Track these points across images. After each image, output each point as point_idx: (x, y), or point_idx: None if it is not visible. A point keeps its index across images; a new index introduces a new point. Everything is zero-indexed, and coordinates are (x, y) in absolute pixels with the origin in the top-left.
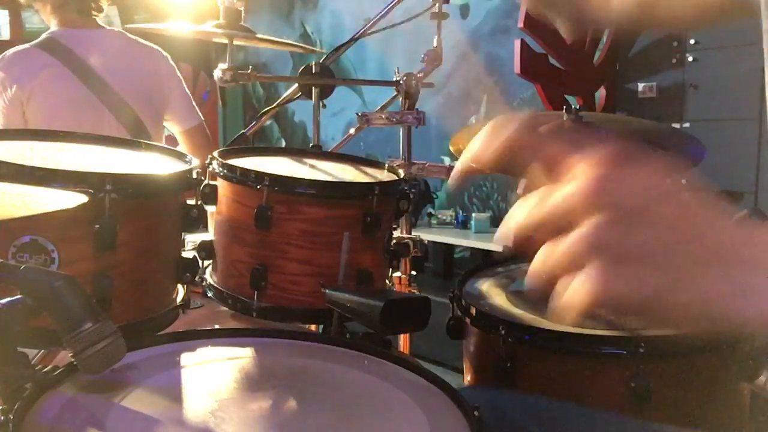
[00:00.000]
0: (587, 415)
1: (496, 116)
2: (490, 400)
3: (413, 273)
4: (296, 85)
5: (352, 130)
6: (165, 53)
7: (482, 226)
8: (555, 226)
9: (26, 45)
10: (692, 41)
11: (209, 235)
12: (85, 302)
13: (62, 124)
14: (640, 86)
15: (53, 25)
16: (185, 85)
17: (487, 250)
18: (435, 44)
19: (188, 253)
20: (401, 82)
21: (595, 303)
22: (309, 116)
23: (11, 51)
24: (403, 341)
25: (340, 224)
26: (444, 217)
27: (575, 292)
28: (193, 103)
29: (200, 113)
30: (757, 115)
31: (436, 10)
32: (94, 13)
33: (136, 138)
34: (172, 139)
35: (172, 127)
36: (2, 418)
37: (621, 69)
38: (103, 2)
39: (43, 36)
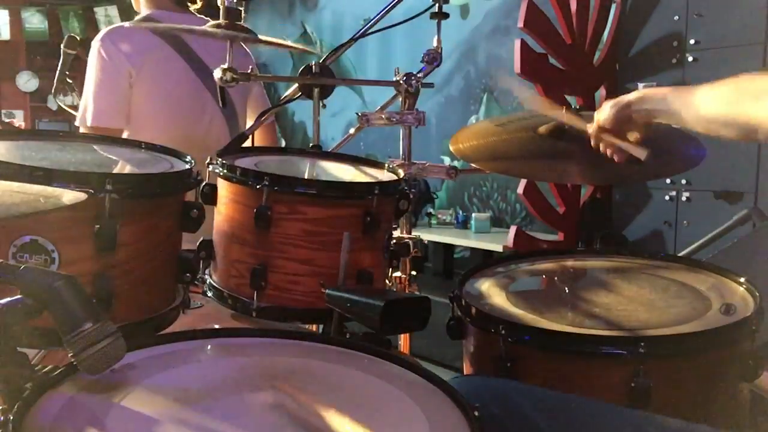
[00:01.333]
0: (591, 405)
1: (495, 116)
2: (495, 390)
3: (413, 273)
4: (296, 85)
5: (352, 130)
6: (249, 51)
7: (482, 226)
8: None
9: (125, 23)
10: (692, 41)
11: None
12: (85, 302)
13: (171, 109)
14: (640, 86)
15: (147, 9)
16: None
17: (487, 250)
18: (435, 44)
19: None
20: (401, 82)
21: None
22: (309, 116)
23: (114, 27)
24: (403, 341)
25: (340, 224)
26: (444, 217)
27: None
28: (268, 100)
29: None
30: None
31: (436, 10)
32: (189, 4)
33: (230, 127)
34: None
35: (249, 122)
36: (2, 418)
37: (621, 69)
38: None
39: (141, 16)
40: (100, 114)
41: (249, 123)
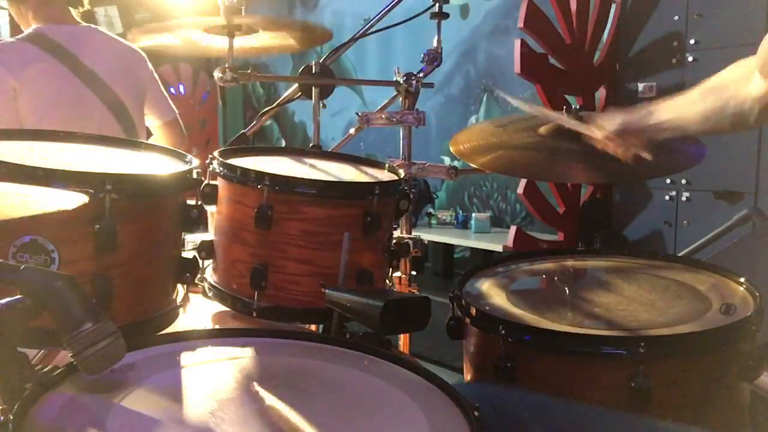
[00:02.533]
0: (588, 413)
1: (496, 117)
2: (492, 397)
3: (413, 273)
4: (296, 85)
5: (352, 130)
6: (143, 53)
7: (482, 226)
8: None
9: (12, 39)
10: (692, 41)
11: (209, 235)
12: (85, 302)
13: (56, 114)
14: (640, 86)
15: (35, 23)
16: (160, 82)
17: (487, 250)
18: (435, 44)
19: (188, 253)
20: (401, 82)
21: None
22: (309, 116)
23: None
24: (403, 341)
25: (340, 224)
26: (444, 217)
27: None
28: (169, 99)
29: (175, 108)
30: None
31: (436, 10)
32: (77, 9)
33: (124, 128)
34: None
35: (150, 120)
36: (2, 418)
37: (621, 69)
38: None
39: (29, 31)
40: None
41: (151, 122)
